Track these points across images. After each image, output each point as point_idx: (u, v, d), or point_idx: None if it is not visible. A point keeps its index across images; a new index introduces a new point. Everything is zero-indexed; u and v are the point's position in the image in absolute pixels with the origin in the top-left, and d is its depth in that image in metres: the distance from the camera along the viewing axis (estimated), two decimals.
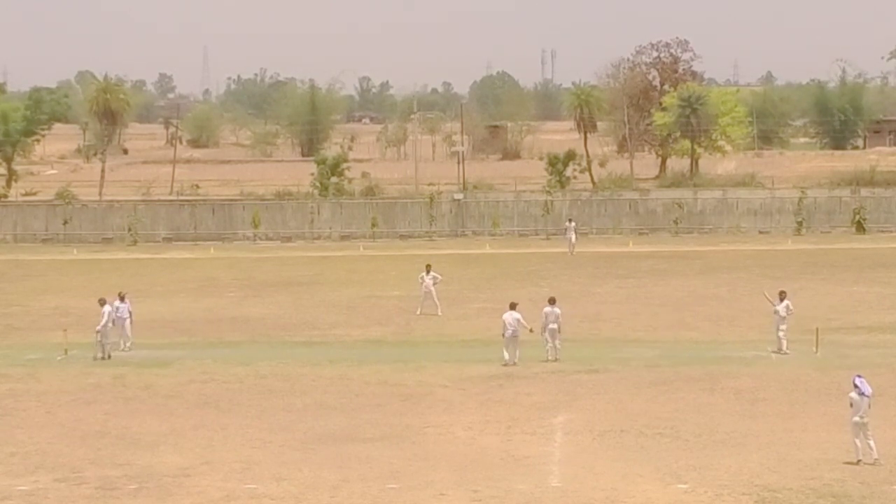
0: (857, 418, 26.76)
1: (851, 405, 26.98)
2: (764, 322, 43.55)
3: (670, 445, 28.51)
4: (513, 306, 38.98)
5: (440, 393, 34.43)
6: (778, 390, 34.14)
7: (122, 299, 41.65)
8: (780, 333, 39.16)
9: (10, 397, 34.58)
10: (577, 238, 70.02)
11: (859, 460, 26.51)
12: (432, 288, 48.26)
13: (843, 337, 41.83)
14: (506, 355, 37.93)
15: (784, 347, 38.99)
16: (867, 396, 26.91)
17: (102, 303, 40.26)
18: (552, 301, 39.55)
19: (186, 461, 27.63)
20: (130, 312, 41.65)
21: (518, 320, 38.13)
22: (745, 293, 52.80)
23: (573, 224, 71.41)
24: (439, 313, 47.58)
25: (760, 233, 79.08)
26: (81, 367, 38.57)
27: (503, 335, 38.18)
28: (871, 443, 26.68)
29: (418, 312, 47.97)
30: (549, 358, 38.34)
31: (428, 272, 48.71)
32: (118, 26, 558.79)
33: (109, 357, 39.53)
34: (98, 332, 39.67)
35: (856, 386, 26.98)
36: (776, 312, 39.39)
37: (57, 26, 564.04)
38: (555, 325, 38.78)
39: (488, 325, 45.82)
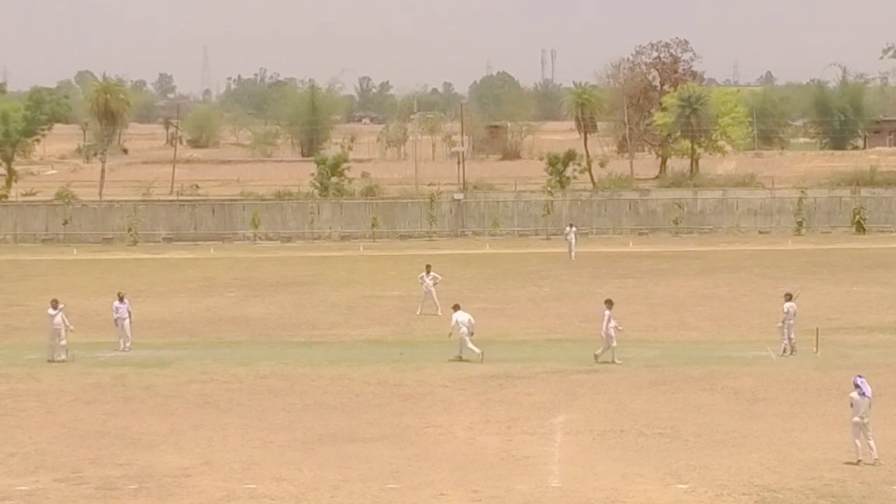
0: (857, 418, 26.77)
1: (852, 405, 26.99)
2: (764, 322, 43.61)
3: (670, 445, 28.52)
4: (457, 307, 39.63)
5: (440, 393, 34.44)
6: (778, 390, 34.15)
7: (121, 299, 41.66)
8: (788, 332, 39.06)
9: (10, 397, 34.60)
10: (577, 241, 69.00)
11: (859, 460, 26.53)
12: (432, 288, 48.31)
13: (843, 337, 41.82)
14: (477, 350, 38.45)
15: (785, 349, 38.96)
16: (868, 397, 26.92)
17: (55, 305, 40.05)
18: (609, 303, 39.22)
19: (186, 461, 27.64)
20: (130, 312, 41.66)
21: (470, 320, 38.88)
22: (745, 293, 52.82)
23: (574, 228, 69.74)
24: (439, 313, 47.56)
25: (760, 233, 79.05)
26: (81, 367, 38.58)
27: (451, 335, 38.91)
28: (872, 443, 26.70)
29: (418, 312, 48.00)
30: (609, 360, 38.04)
31: (428, 272, 48.76)
32: (118, 26, 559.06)
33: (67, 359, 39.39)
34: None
35: (857, 386, 27.00)
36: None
37: (57, 26, 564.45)
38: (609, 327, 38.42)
39: (488, 324, 45.81)
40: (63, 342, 39.47)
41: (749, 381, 35.22)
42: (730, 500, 24.49)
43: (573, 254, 67.51)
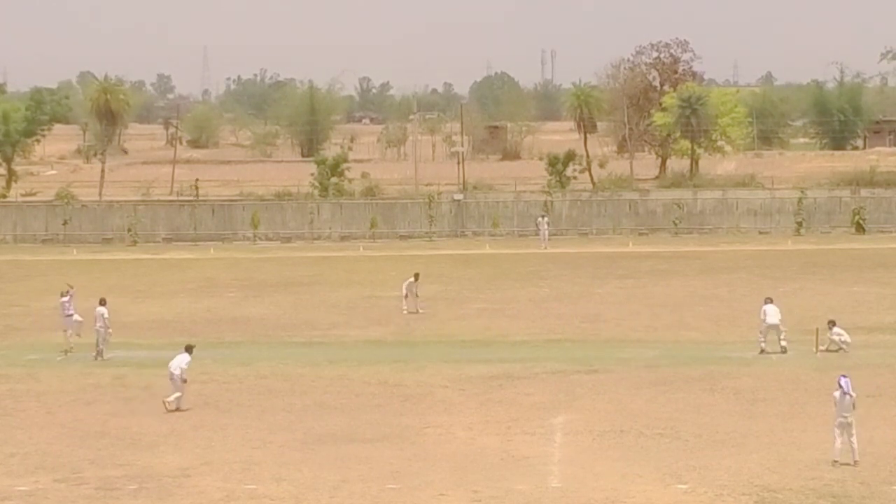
0: (840, 418, 26.85)
1: (836, 405, 27.12)
2: None
3: (670, 445, 28.53)
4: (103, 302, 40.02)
5: (440, 393, 34.45)
6: (778, 390, 34.17)
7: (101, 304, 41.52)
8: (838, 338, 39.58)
9: (10, 397, 34.62)
10: (548, 232, 73.03)
11: (835, 461, 26.57)
12: (412, 290, 48.59)
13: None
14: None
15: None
16: (850, 395, 27.01)
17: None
18: (769, 300, 39.99)
19: (186, 461, 27.65)
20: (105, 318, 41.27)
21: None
22: (745, 293, 52.78)
23: (546, 219, 73.88)
24: (413, 311, 47.97)
25: (760, 233, 79.04)
26: (81, 367, 38.60)
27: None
28: (854, 442, 26.76)
29: (419, 312, 48.12)
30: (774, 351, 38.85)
31: (416, 279, 49.04)
32: (118, 26, 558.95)
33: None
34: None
35: (840, 386, 27.14)
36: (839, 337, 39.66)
37: (57, 26, 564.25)
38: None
39: (488, 325, 45.90)
40: (74, 339, 39.68)
41: (749, 381, 35.24)
42: (730, 500, 24.50)
43: (545, 244, 71.03)
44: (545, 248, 71.79)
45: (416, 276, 49.19)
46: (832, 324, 39.80)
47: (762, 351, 39.19)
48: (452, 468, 26.84)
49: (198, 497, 25.13)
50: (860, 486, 25.20)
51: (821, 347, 39.25)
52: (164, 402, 32.75)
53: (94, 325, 40.09)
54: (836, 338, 39.36)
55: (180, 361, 33.38)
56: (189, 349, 34.20)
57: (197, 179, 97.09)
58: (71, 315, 41.48)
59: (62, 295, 41.98)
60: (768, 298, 40.48)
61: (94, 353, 39.80)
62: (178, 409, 32.62)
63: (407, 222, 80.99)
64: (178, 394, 32.91)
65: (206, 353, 40.68)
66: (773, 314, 39.53)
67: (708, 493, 24.90)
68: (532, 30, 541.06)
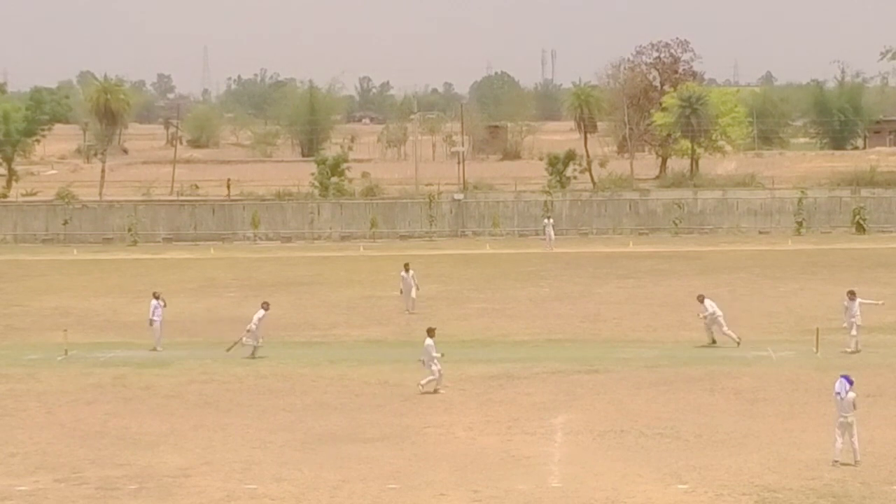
0: (841, 418, 26.87)
1: (837, 404, 27.15)
2: (764, 322, 43.65)
3: (670, 445, 28.54)
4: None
5: (440, 393, 34.44)
6: (778, 390, 34.17)
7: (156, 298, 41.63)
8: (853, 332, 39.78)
9: (10, 397, 34.62)
10: (554, 235, 72.90)
11: (836, 461, 26.58)
12: (406, 283, 48.47)
13: (843, 337, 41.69)
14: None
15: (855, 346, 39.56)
16: (848, 395, 27.03)
17: (267, 306, 40.53)
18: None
19: (186, 461, 27.66)
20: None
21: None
22: (745, 293, 52.80)
23: (551, 221, 74.37)
24: (412, 311, 47.84)
25: (760, 233, 79.02)
26: (81, 367, 38.59)
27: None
28: (855, 442, 26.75)
29: (414, 314, 48.03)
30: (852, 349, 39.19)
31: (407, 270, 48.79)
32: (118, 26, 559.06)
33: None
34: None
35: (838, 389, 27.18)
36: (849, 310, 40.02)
37: (57, 26, 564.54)
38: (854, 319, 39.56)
39: (488, 325, 45.89)
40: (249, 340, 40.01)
41: (749, 381, 35.24)
42: (730, 500, 24.51)
43: (552, 247, 71.11)
44: (551, 249, 71.13)
45: (406, 266, 48.99)
46: (852, 294, 39.99)
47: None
48: (452, 468, 26.85)
49: (198, 497, 25.14)
50: (860, 486, 25.21)
51: (866, 301, 40.19)
52: (419, 385, 34.28)
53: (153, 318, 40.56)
54: (849, 304, 39.67)
55: (427, 347, 34.49)
56: (430, 332, 34.87)
57: (229, 180, 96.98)
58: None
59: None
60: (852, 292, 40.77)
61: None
62: (435, 392, 34.01)
63: (407, 222, 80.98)
64: (430, 378, 34.23)
65: (206, 352, 40.73)
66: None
67: (708, 492, 24.91)
68: (532, 30, 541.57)
